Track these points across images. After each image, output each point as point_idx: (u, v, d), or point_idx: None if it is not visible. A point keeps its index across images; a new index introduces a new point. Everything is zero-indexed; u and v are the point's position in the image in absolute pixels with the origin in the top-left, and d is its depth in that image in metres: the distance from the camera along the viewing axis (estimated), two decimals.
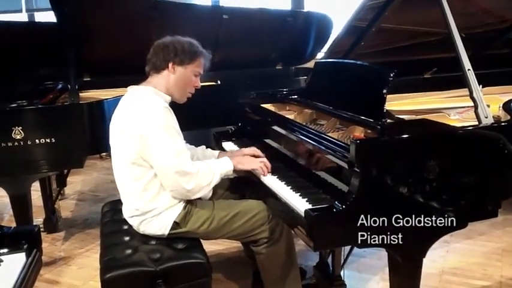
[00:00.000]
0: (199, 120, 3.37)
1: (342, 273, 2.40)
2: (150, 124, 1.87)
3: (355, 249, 2.45)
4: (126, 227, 2.07)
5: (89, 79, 3.46)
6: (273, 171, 2.12)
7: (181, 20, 3.20)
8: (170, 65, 2.00)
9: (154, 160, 1.89)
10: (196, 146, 2.34)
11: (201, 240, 2.07)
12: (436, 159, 1.65)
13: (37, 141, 2.55)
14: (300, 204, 1.75)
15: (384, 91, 1.92)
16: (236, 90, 3.09)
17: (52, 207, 3.38)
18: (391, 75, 1.93)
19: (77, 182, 4.45)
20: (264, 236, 2.03)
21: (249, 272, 2.46)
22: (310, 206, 1.70)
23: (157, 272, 1.79)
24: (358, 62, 2.24)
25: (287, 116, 2.53)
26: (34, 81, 3.31)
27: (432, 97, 2.69)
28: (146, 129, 1.86)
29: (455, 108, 2.40)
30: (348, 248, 2.35)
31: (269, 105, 2.79)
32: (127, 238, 2.01)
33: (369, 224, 1.61)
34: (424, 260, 2.66)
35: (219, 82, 3.71)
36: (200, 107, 3.28)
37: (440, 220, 1.72)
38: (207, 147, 2.37)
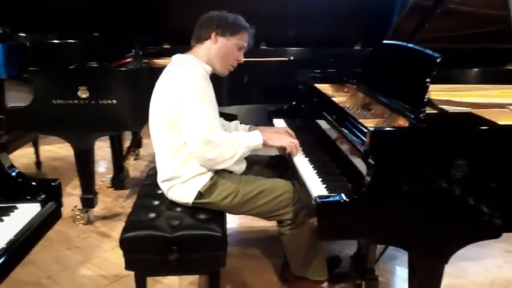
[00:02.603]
0: (269, 95, 3.36)
1: (376, 267, 2.29)
2: (185, 88, 1.90)
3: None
4: (160, 191, 2.14)
5: (168, 47, 3.58)
6: (307, 153, 2.07)
7: None
8: (213, 35, 2.02)
9: (183, 124, 1.92)
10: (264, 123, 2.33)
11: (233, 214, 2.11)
12: (466, 158, 1.49)
13: (100, 101, 2.72)
14: (316, 189, 1.71)
15: (427, 79, 1.77)
16: (310, 68, 3.02)
17: (120, 165, 3.59)
18: (437, 62, 1.76)
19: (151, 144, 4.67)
20: (288, 218, 2.00)
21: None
22: (323, 193, 1.65)
23: (171, 239, 1.84)
24: (409, 45, 2.07)
25: (339, 99, 2.44)
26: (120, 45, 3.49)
27: (504, 91, 2.42)
28: (181, 93, 1.90)
29: None
30: None
31: (327, 85, 2.71)
32: (156, 202, 2.08)
33: (378, 221, 1.52)
34: (476, 268, 2.52)
35: (292, 58, 3.65)
36: (270, 82, 3.31)
37: (465, 227, 1.57)
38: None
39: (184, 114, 1.90)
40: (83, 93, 2.70)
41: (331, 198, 1.51)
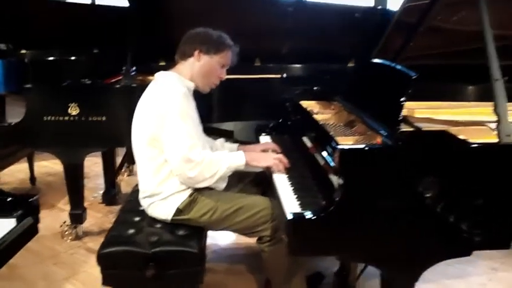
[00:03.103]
0: (260, 111, 3.38)
1: (357, 284, 2.30)
2: (166, 107, 1.93)
3: None
4: (142, 207, 2.16)
5: (164, 64, 3.63)
6: (288, 170, 2.09)
7: (244, 10, 3.23)
8: (196, 52, 2.06)
9: (164, 142, 1.95)
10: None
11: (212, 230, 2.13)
12: (435, 176, 1.51)
13: (90, 118, 2.76)
14: (290, 205, 1.72)
15: (402, 98, 1.79)
16: (304, 84, 3.05)
17: (112, 181, 3.62)
18: (412, 80, 1.79)
19: None
20: (266, 234, 2.00)
21: None
22: (296, 209, 1.66)
23: (149, 255, 1.85)
24: (387, 63, 2.10)
25: (323, 116, 2.46)
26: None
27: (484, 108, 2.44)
28: (162, 112, 1.93)
29: None
30: None
31: (314, 102, 2.74)
32: (137, 218, 2.10)
33: (347, 238, 1.53)
34: (461, 285, 2.51)
35: (284, 75, 3.68)
36: (263, 98, 3.33)
37: (436, 244, 1.58)
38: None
39: (166, 132, 1.93)
40: (74, 110, 2.74)
41: (299, 215, 1.53)
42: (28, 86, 2.78)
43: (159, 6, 3.13)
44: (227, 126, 3.94)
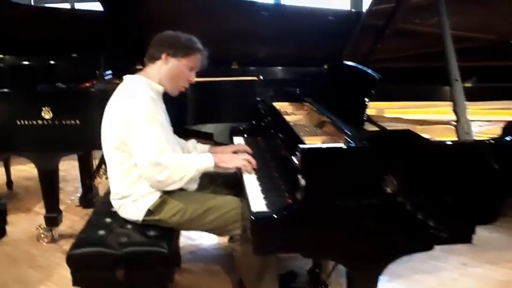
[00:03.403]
0: (238, 114, 3.40)
1: (329, 281, 2.33)
2: (134, 111, 1.94)
3: None
4: (113, 209, 2.17)
5: (141, 68, 3.62)
6: (258, 170, 2.11)
7: (221, 14, 3.26)
8: (164, 55, 2.07)
9: (132, 146, 1.96)
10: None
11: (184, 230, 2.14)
12: (397, 174, 1.55)
13: (63, 121, 2.77)
14: (256, 204, 1.74)
15: (366, 98, 1.83)
16: (278, 87, 3.08)
17: (89, 184, 3.62)
18: (376, 81, 1.84)
19: None
20: (237, 233, 2.02)
21: None
22: (261, 209, 1.69)
23: (118, 255, 1.87)
24: (355, 65, 2.14)
25: (295, 117, 2.50)
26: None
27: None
28: (129, 116, 1.94)
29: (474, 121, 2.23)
30: None
31: (287, 104, 2.78)
32: (108, 220, 2.11)
33: (309, 236, 1.56)
34: (433, 280, 2.56)
35: (261, 77, 3.71)
36: (238, 100, 3.36)
37: (396, 240, 1.62)
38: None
39: (134, 137, 1.94)
40: (46, 114, 2.75)
41: (262, 214, 1.56)
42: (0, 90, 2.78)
43: (135, 10, 3.13)
44: (207, 128, 3.95)
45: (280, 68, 3.79)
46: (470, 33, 2.67)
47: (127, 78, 2.12)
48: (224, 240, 2.88)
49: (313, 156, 1.54)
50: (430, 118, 2.35)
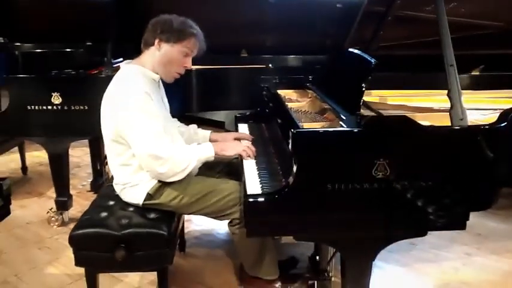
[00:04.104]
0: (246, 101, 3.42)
1: (330, 267, 2.35)
2: (129, 105, 1.93)
3: None
4: (116, 193, 2.22)
5: None
6: (258, 157, 2.14)
7: (228, 2, 3.27)
8: (156, 41, 2.02)
9: (130, 140, 1.97)
10: None
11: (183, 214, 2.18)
12: (391, 159, 1.56)
13: (72, 107, 2.83)
14: (252, 188, 1.77)
15: (363, 83, 1.84)
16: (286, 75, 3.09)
17: (100, 169, 3.69)
18: (372, 66, 1.84)
19: None
20: (236, 217, 2.05)
21: None
22: (256, 192, 1.71)
23: (119, 236, 1.92)
24: (352, 50, 2.15)
25: (298, 104, 2.52)
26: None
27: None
28: (124, 110, 1.93)
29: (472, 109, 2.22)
30: None
31: (291, 91, 2.79)
32: (111, 202, 2.15)
33: (302, 219, 1.59)
34: (435, 269, 2.57)
35: (270, 66, 3.72)
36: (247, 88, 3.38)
37: (390, 225, 1.63)
38: None
39: (131, 131, 1.94)
40: (56, 99, 2.81)
41: (255, 196, 1.59)
42: (12, 76, 2.84)
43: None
44: (218, 116, 3.98)
45: (289, 56, 3.78)
46: (479, 20, 2.64)
47: (123, 66, 2.10)
48: (226, 226, 2.92)
49: (303, 139, 1.56)
50: (432, 106, 2.35)
